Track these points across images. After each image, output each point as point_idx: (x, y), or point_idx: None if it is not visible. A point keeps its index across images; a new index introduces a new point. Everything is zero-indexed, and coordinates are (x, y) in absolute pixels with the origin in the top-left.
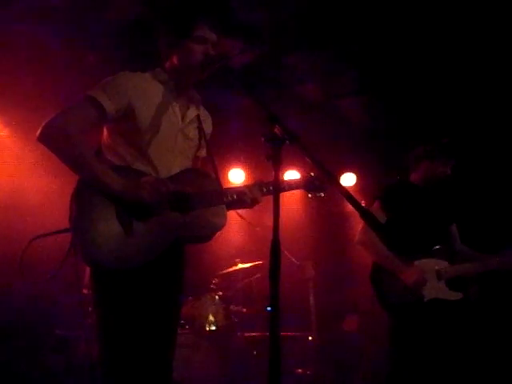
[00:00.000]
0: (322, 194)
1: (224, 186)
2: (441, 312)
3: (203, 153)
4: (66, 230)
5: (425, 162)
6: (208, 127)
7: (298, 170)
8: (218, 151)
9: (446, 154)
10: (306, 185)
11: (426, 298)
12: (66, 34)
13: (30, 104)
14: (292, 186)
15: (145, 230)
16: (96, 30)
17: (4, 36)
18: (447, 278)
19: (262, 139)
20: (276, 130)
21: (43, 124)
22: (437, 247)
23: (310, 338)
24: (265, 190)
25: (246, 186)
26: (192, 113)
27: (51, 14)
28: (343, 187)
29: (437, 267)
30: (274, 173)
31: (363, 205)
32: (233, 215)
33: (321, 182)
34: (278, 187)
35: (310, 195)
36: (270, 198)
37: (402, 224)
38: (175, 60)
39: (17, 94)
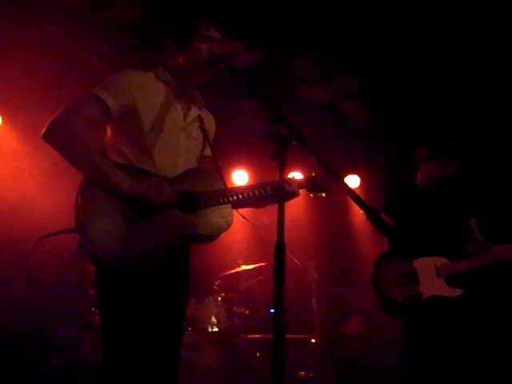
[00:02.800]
0: (324, 194)
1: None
2: (441, 309)
3: (208, 152)
4: (72, 230)
5: (424, 162)
6: (211, 127)
7: (302, 172)
8: (222, 153)
9: (444, 154)
10: (308, 185)
11: (424, 296)
12: (70, 36)
13: (35, 107)
14: (297, 187)
15: (151, 230)
16: (100, 31)
17: (7, 38)
18: (446, 274)
19: (267, 138)
20: (281, 129)
21: (48, 123)
22: (440, 246)
23: (313, 340)
24: (269, 189)
25: (253, 186)
26: (194, 113)
27: (54, 15)
28: (349, 188)
29: (436, 264)
30: (278, 173)
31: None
32: (236, 217)
33: (322, 182)
34: (283, 186)
35: (311, 195)
36: None
37: (404, 226)
38: (181, 60)
39: (21, 97)
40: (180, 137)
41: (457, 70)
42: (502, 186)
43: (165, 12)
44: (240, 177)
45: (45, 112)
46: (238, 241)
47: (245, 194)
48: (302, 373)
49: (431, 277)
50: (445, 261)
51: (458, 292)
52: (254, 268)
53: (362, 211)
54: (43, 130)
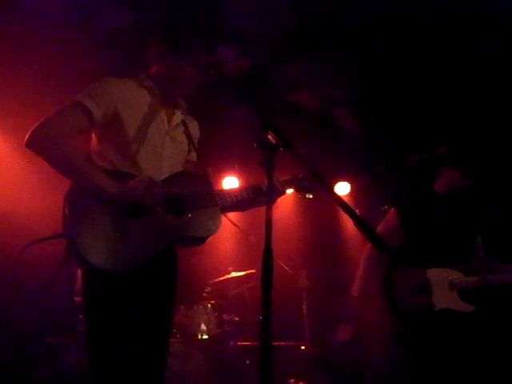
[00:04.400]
0: (311, 196)
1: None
2: (451, 322)
3: (193, 157)
4: (59, 236)
5: (446, 168)
6: (195, 132)
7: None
8: (212, 159)
9: (467, 163)
10: (295, 185)
11: (436, 308)
12: (62, 41)
13: (25, 111)
14: (284, 186)
15: (139, 233)
16: (92, 36)
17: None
18: (460, 288)
19: (255, 145)
20: (269, 136)
21: (30, 130)
22: (452, 257)
23: (303, 347)
24: (257, 191)
25: (238, 188)
26: (178, 117)
27: (46, 20)
28: (338, 195)
29: (450, 277)
30: (267, 180)
31: (357, 213)
32: (226, 223)
33: (310, 183)
34: (272, 193)
35: (299, 195)
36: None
37: (417, 232)
38: (163, 71)
39: (12, 101)
40: (164, 141)
41: (449, 77)
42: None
43: (155, 26)
44: (231, 183)
45: (34, 117)
46: (228, 247)
47: (233, 197)
48: (292, 380)
49: (444, 289)
50: (459, 274)
51: (469, 308)
52: (244, 275)
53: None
54: (26, 137)
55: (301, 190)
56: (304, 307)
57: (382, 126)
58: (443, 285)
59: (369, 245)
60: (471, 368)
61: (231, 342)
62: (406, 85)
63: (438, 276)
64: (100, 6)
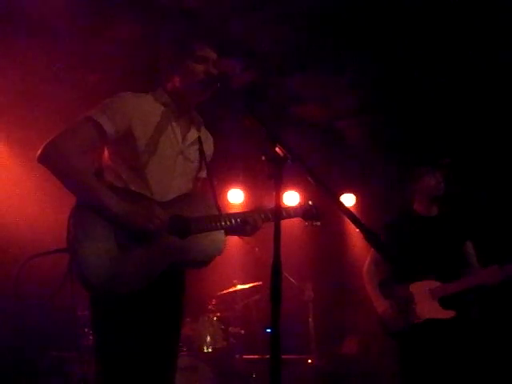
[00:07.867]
0: (319, 223)
1: (224, 210)
2: (437, 331)
3: (204, 174)
4: (62, 250)
5: (414, 185)
6: (209, 149)
7: (298, 190)
8: (218, 171)
9: (428, 166)
10: (303, 213)
11: (421, 319)
12: (67, 54)
13: (31, 123)
14: (290, 214)
15: (142, 254)
16: (97, 49)
17: (5, 55)
18: (439, 296)
19: (263, 158)
20: (277, 148)
21: (43, 145)
22: (436, 269)
23: (310, 360)
24: (263, 216)
25: (247, 212)
26: (193, 134)
27: (52, 33)
28: (345, 207)
29: (430, 287)
30: (274, 192)
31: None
32: (231, 235)
33: (318, 211)
34: (280, 209)
35: (306, 223)
36: None
37: (401, 253)
38: (177, 81)
39: (17, 113)
40: (177, 160)
41: (455, 91)
42: (498, 208)
43: (162, 33)
44: (236, 196)
45: (41, 131)
46: (234, 259)
47: (238, 220)
48: None
49: (426, 300)
50: (437, 283)
51: (450, 313)
52: (250, 287)
53: (357, 230)
54: (38, 152)
55: (308, 217)
56: (310, 320)
57: (388, 137)
58: (424, 295)
59: (368, 260)
60: (462, 375)
61: (237, 355)
62: (413, 96)
63: (419, 288)
64: (108, 18)
